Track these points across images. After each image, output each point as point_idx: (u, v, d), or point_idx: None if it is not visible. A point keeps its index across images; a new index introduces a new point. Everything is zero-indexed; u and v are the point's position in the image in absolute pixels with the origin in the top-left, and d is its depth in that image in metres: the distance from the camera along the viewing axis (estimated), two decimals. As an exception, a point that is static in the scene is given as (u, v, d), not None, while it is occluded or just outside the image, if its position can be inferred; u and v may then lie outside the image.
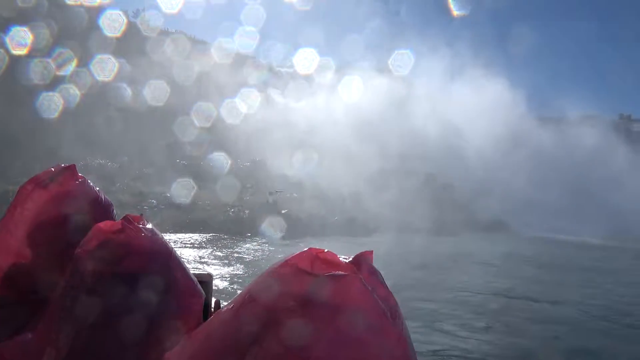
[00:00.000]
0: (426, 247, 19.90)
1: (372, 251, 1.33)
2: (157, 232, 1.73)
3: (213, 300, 2.01)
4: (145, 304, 1.57)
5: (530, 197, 32.34)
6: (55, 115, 21.88)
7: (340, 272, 1.25)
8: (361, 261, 1.30)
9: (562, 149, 40.05)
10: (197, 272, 1.86)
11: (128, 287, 1.58)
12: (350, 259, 1.31)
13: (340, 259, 1.30)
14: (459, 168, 32.24)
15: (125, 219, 1.70)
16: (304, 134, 27.09)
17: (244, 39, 34.27)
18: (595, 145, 41.85)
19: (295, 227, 20.36)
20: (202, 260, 14.18)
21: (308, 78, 34.69)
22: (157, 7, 31.45)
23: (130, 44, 27.52)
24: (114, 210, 2.11)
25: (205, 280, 2.01)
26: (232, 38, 35.33)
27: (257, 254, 15.62)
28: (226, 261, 14.12)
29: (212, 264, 13.31)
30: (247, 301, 1.31)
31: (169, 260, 1.69)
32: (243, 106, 27.60)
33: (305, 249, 1.32)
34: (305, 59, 33.75)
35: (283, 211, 21.53)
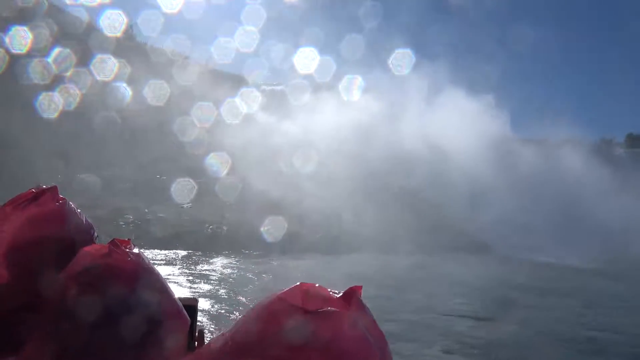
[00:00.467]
0: (403, 266, 19.89)
1: (360, 286, 1.34)
2: (144, 256, 1.72)
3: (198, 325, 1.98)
4: (131, 330, 1.55)
5: (514, 219, 32.54)
6: (34, 127, 21.76)
7: (332, 309, 1.25)
8: (351, 296, 1.30)
9: (546, 171, 40.51)
10: (182, 295, 1.85)
11: (113, 313, 1.56)
12: (341, 294, 1.31)
13: (331, 293, 1.31)
14: (444, 189, 32.41)
15: (113, 243, 1.69)
16: (287, 151, 27.14)
17: (223, 54, 34.44)
18: (578, 168, 42.45)
19: (274, 245, 20.31)
20: (174, 277, 14.06)
21: (291, 95, 34.99)
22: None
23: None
24: (95, 232, 2.10)
25: (191, 305, 2.00)
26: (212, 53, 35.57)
27: (226, 271, 15.50)
28: (195, 278, 13.99)
29: (180, 282, 13.18)
30: (236, 338, 1.29)
31: (155, 285, 1.68)
32: (226, 123, 27.71)
33: (296, 284, 1.32)
34: (287, 76, 34.07)
35: (263, 229, 21.44)
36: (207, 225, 20.57)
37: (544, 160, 42.17)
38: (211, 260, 17.71)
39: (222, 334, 1.37)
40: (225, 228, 20.54)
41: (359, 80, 36.34)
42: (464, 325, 9.93)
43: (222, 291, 12.42)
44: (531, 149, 43.66)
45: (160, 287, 1.70)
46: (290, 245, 20.90)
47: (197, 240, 19.14)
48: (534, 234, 31.56)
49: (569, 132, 50.22)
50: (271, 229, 21.29)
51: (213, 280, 13.63)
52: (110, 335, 1.54)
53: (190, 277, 13.78)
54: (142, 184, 21.98)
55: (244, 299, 12.04)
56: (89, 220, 2.11)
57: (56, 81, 25.18)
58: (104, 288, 1.59)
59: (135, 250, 1.71)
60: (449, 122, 38.46)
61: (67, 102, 24.84)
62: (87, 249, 1.71)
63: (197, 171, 23.53)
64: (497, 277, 18.86)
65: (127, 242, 1.73)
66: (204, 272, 15.01)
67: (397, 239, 24.79)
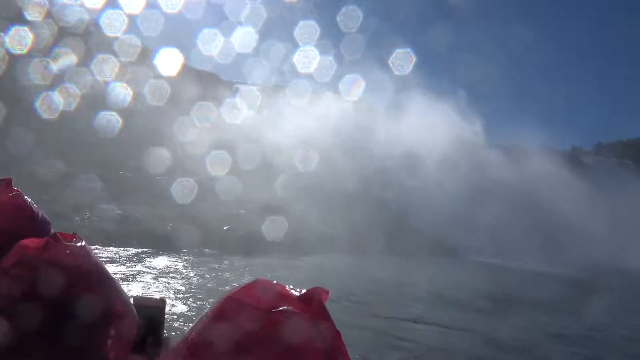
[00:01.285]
0: (367, 270, 19.75)
1: (327, 291, 1.28)
2: (90, 251, 1.64)
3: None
4: (68, 328, 1.44)
5: (482, 223, 32.77)
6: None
7: (288, 308, 1.20)
8: (312, 296, 1.25)
9: (516, 177, 40.97)
10: (148, 295, 1.73)
11: (48, 309, 1.44)
12: (302, 292, 1.25)
13: (290, 292, 1.25)
14: (412, 193, 32.44)
15: (54, 236, 1.61)
16: (257, 152, 26.77)
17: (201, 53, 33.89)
18: (548, 175, 43.09)
19: (237, 244, 19.96)
20: (127, 275, 13.61)
21: (266, 95, 34.65)
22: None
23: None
24: (51, 228, 1.98)
25: (157, 305, 1.92)
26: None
27: (184, 270, 15.08)
28: (148, 277, 13.57)
29: (133, 280, 12.75)
30: (194, 340, 1.23)
31: (98, 281, 1.59)
32: (197, 123, 27.15)
33: (253, 280, 1.26)
34: (263, 76, 33.67)
35: (225, 228, 21.07)
36: (167, 222, 20.07)
37: (515, 166, 42.68)
38: (164, 258, 17.22)
39: (184, 337, 1.30)
40: (186, 226, 20.07)
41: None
42: (415, 331, 9.76)
43: (179, 291, 12.06)
44: (503, 155, 44.18)
45: (106, 284, 1.62)
46: (253, 244, 20.56)
47: (157, 239, 18.63)
48: (501, 239, 31.83)
49: (541, 140, 51.06)
50: (234, 228, 20.95)
51: (170, 279, 13.23)
52: (43, 334, 1.44)
53: (143, 276, 13.35)
54: (105, 181, 21.36)
55: (195, 300, 11.69)
56: (45, 216, 2.04)
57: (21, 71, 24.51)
58: (36, 282, 1.48)
59: (81, 244, 1.63)
60: (421, 128, 38.62)
61: (33, 97, 24.21)
62: (25, 241, 1.62)
63: (163, 169, 22.99)
64: (460, 282, 18.87)
65: (72, 236, 1.65)
66: (156, 270, 14.56)
67: (364, 241, 24.66)
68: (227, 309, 1.23)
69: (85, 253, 1.63)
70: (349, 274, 18.50)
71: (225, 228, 20.89)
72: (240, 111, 31.22)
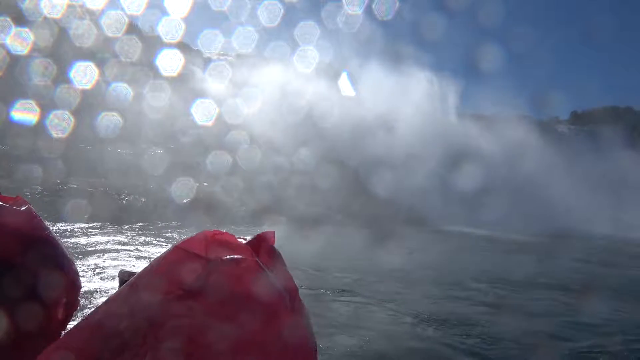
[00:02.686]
0: (325, 239, 19.67)
1: (273, 232, 1.27)
2: (34, 215, 1.56)
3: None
4: (8, 292, 1.41)
5: (452, 191, 32.81)
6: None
7: (235, 256, 1.19)
8: (261, 242, 1.25)
9: (490, 145, 41.03)
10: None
11: None
12: (249, 239, 1.25)
13: (238, 240, 1.25)
14: (382, 161, 32.28)
15: None
16: (219, 122, 26.34)
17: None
18: (522, 143, 43.25)
19: (196, 216, 19.74)
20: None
21: (234, 68, 33.95)
22: None
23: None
24: None
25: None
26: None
27: (140, 245, 14.89)
28: (109, 252, 13.38)
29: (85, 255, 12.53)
30: (132, 291, 1.20)
31: (39, 246, 1.52)
32: (160, 94, 26.47)
33: (200, 232, 1.24)
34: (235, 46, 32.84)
35: (184, 200, 20.81)
36: (123, 196, 19.75)
37: (488, 135, 42.73)
38: (118, 232, 16.99)
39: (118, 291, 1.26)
40: (143, 200, 19.78)
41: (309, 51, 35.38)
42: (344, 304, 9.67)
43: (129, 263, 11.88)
44: (477, 123, 44.16)
45: (50, 251, 1.55)
46: (211, 216, 20.37)
47: (111, 213, 18.32)
48: (472, 207, 31.94)
49: (518, 109, 51.13)
50: (190, 198, 20.68)
51: (126, 254, 13.03)
52: None
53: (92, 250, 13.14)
54: (61, 155, 20.85)
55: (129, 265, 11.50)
56: None
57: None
58: None
59: (24, 208, 1.53)
60: (395, 95, 38.28)
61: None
62: None
63: (125, 142, 22.52)
64: (408, 247, 18.84)
65: (16, 199, 1.54)
66: (105, 245, 14.35)
67: (329, 211, 24.60)
68: (171, 259, 1.19)
69: (28, 216, 1.53)
70: (307, 243, 18.43)
71: (185, 201, 20.61)
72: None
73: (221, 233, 1.24)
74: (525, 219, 31.10)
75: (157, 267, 1.21)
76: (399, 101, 36.79)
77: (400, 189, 29.84)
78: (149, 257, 13.09)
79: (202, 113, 25.91)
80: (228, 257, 1.18)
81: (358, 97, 35.46)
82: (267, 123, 28.02)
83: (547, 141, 44.74)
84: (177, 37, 30.09)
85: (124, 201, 19.52)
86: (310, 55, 33.37)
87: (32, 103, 21.15)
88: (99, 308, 1.27)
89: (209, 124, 24.78)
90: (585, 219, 33.30)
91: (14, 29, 24.02)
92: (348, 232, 22.15)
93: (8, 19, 23.80)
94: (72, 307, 1.57)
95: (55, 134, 21.08)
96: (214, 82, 30.56)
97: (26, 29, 24.29)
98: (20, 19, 24.52)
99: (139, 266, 11.42)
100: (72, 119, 21.81)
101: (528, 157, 41.52)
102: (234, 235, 1.25)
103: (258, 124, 27.80)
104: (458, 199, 32.43)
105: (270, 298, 1.16)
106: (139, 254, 13.43)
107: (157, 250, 14.25)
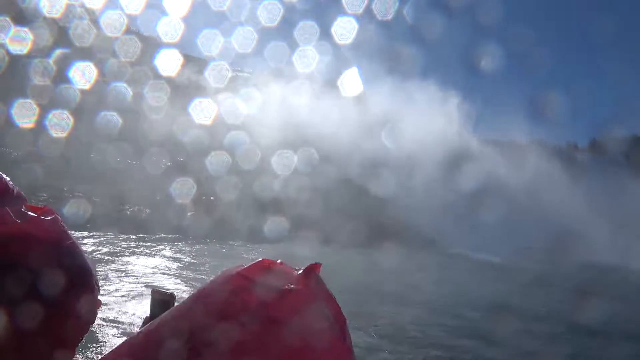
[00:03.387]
0: (331, 260, 19.22)
1: (320, 264, 1.30)
2: (62, 224, 1.60)
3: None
4: (34, 301, 1.42)
5: (465, 217, 32.19)
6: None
7: (293, 286, 1.24)
8: (311, 273, 1.29)
9: (505, 171, 40.35)
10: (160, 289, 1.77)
11: (13, 280, 1.43)
12: (301, 270, 1.30)
13: (291, 270, 1.29)
14: (394, 184, 31.85)
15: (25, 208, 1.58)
16: (221, 134, 26.15)
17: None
18: (538, 170, 42.44)
19: (196, 230, 19.50)
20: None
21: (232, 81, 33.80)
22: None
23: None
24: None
25: (165, 299, 1.87)
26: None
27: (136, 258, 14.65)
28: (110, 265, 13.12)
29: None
30: (198, 304, 1.24)
31: (63, 256, 1.53)
32: (159, 103, 26.36)
33: (258, 259, 1.30)
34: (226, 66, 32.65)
35: (189, 214, 20.61)
36: (128, 206, 19.60)
37: (504, 161, 42.12)
38: (115, 243, 16.75)
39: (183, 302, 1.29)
40: (147, 211, 19.63)
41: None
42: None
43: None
44: (492, 149, 43.57)
45: (74, 257, 1.57)
46: (216, 231, 20.10)
47: (114, 223, 18.16)
48: (484, 233, 31.25)
49: (535, 135, 50.36)
50: (196, 214, 20.46)
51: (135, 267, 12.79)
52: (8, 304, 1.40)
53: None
54: (65, 162, 20.88)
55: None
56: (21, 192, 1.87)
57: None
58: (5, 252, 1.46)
59: (51, 218, 1.59)
60: (408, 119, 38.06)
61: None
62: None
63: (126, 152, 22.46)
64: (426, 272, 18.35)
65: (43, 209, 1.61)
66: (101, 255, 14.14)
67: (337, 230, 24.13)
68: (234, 284, 1.24)
69: (58, 226, 1.58)
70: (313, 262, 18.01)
71: (189, 214, 20.41)
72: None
73: (277, 263, 1.29)
74: (547, 249, 30.29)
75: (214, 290, 1.25)
76: (418, 125, 36.55)
77: (413, 213, 29.35)
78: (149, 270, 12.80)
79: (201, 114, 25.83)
80: (286, 286, 1.21)
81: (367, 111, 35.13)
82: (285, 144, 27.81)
83: (566, 169, 43.98)
84: (176, 37, 29.97)
85: (127, 212, 19.37)
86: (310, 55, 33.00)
87: (31, 103, 21.32)
88: (153, 324, 1.28)
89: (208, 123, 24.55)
90: (617, 252, 31.85)
91: (14, 29, 24.34)
92: (355, 253, 21.67)
93: (8, 19, 24.14)
94: (91, 316, 1.56)
95: (55, 134, 21.12)
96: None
97: (26, 29, 24.60)
98: (21, 19, 24.90)
99: (163, 283, 11.07)
100: (72, 119, 21.87)
101: (549, 185, 40.74)
102: (288, 265, 1.29)
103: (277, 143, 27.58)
104: (469, 224, 31.81)
105: (324, 328, 1.19)
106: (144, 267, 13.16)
107: (154, 262, 13.97)
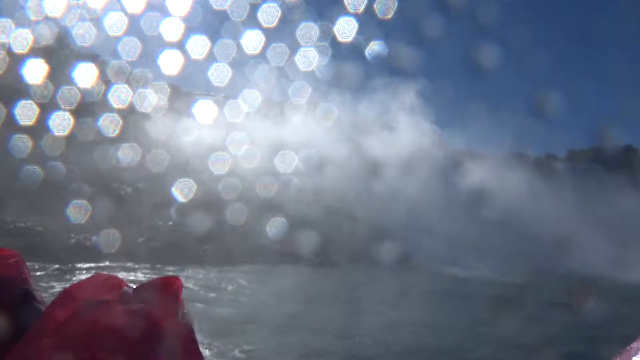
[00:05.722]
0: (293, 280, 18.34)
1: (178, 277, 1.31)
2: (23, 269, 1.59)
3: None
4: None
5: (440, 231, 31.61)
6: None
7: (105, 298, 1.24)
8: (163, 287, 1.30)
9: (481, 184, 39.94)
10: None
11: None
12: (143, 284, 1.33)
13: (127, 284, 1.31)
14: (366, 199, 31.21)
15: None
16: (188, 157, 25.45)
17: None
18: (516, 182, 42.09)
19: (151, 256, 18.58)
20: None
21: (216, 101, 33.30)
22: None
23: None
24: None
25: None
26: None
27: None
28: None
29: None
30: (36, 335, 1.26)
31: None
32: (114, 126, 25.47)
33: (92, 275, 1.37)
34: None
35: (140, 239, 19.65)
36: (72, 235, 18.60)
37: (481, 173, 41.81)
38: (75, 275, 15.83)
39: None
40: (94, 238, 18.64)
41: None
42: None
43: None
44: (469, 161, 43.20)
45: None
46: (171, 256, 19.15)
47: (55, 252, 17.14)
48: (459, 246, 30.65)
49: (512, 147, 50.14)
50: (149, 238, 19.53)
51: None
52: None
53: None
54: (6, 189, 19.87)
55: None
56: None
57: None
58: None
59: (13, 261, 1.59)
60: (382, 132, 37.72)
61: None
62: None
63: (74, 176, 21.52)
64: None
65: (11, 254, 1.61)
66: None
67: (302, 250, 23.28)
68: (58, 302, 1.27)
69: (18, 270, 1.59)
70: (271, 285, 17.15)
71: (141, 240, 19.45)
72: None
73: (112, 277, 1.32)
74: (530, 261, 29.71)
75: (50, 312, 1.27)
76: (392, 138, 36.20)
77: (382, 226, 28.64)
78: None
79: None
80: (97, 299, 1.23)
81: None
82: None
83: (545, 180, 43.85)
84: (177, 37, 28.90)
85: (72, 240, 18.37)
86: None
87: (31, 103, 20.81)
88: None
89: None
90: (612, 264, 31.00)
91: (14, 29, 24.03)
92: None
93: (8, 19, 23.76)
94: None
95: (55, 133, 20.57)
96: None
97: (26, 29, 24.29)
98: (21, 19, 24.48)
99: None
100: (72, 119, 21.30)
101: (531, 197, 40.47)
102: (122, 280, 1.29)
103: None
104: (444, 238, 31.19)
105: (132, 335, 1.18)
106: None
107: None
